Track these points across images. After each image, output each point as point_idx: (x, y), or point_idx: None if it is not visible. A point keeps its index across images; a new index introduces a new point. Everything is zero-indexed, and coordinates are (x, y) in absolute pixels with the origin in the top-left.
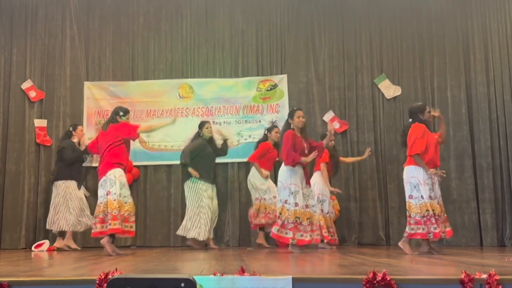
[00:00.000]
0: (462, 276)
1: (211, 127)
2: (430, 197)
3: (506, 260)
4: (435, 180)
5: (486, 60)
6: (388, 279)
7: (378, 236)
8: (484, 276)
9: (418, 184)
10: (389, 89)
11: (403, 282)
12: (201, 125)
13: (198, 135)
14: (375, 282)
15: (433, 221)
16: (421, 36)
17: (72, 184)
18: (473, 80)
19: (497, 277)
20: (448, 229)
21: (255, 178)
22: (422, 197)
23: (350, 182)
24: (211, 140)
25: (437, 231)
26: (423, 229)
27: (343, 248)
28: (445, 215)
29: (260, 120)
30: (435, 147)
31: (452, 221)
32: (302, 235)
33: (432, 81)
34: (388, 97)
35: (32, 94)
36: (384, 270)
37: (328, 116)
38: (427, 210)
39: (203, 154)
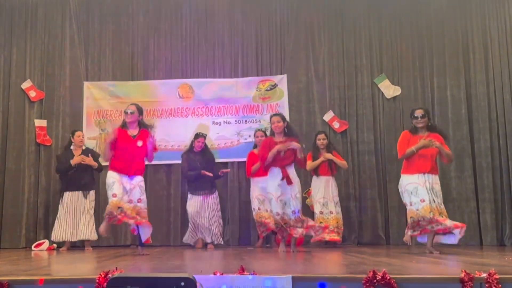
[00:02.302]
0: (462, 275)
1: (202, 142)
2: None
3: (506, 259)
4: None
5: (485, 60)
6: (388, 278)
7: (378, 236)
8: (484, 275)
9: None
10: (389, 89)
11: (403, 281)
12: (195, 137)
13: (190, 145)
14: (375, 281)
15: None
16: (421, 35)
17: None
18: (473, 80)
19: (497, 276)
20: None
21: None
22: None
23: (350, 182)
24: (204, 153)
25: None
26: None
27: (343, 247)
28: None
29: (260, 120)
30: (420, 153)
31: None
32: None
33: (432, 80)
34: (388, 97)
35: (32, 94)
36: (384, 269)
37: (328, 116)
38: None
39: (191, 168)
